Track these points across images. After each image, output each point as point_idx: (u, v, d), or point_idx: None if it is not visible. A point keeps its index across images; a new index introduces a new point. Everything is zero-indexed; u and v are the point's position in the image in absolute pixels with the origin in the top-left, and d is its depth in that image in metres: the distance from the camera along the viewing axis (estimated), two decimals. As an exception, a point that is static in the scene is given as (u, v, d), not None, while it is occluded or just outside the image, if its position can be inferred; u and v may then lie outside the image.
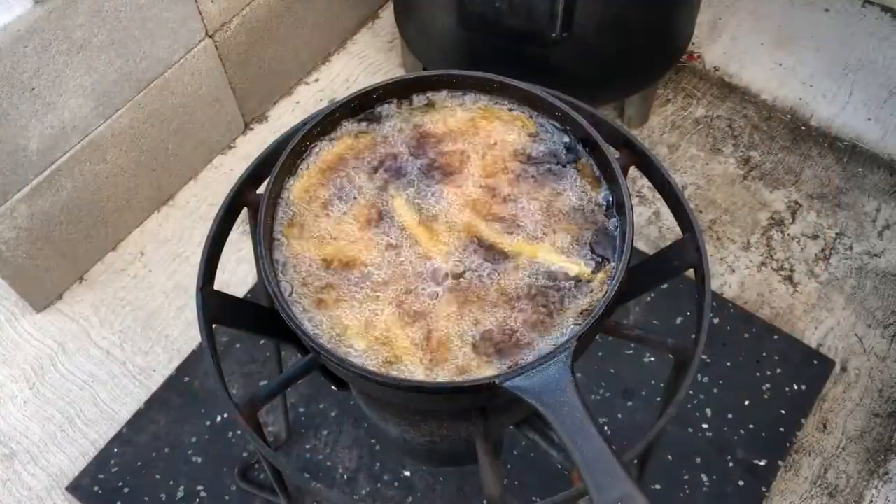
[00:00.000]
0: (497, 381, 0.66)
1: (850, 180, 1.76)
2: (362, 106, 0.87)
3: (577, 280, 0.76)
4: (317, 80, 1.99)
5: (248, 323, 0.90)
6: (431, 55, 1.74)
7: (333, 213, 0.82)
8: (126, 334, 1.61)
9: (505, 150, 0.86)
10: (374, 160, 0.86)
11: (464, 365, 0.71)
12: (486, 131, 0.87)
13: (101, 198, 1.61)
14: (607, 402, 1.47)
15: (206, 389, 1.53)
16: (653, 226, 1.70)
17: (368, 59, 2.02)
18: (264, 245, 0.77)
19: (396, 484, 1.41)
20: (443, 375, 0.71)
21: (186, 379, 1.54)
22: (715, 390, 1.49)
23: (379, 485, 1.41)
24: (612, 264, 0.76)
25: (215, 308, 0.84)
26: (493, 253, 0.79)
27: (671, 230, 1.69)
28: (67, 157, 1.49)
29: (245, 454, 1.45)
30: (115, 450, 1.47)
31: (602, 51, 1.59)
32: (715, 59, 1.97)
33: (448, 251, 0.79)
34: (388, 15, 2.09)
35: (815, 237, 1.68)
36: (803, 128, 1.85)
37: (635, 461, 0.91)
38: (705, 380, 1.50)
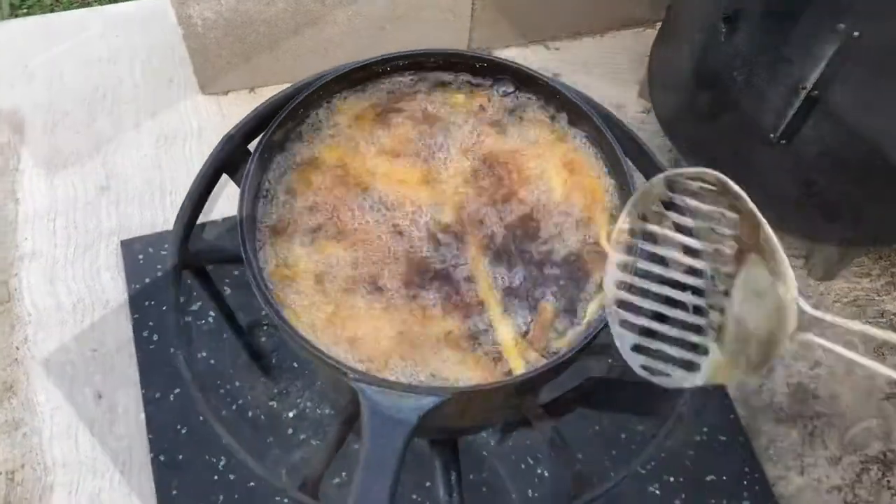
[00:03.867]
0: (349, 374, 0.61)
1: None
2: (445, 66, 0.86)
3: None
4: (557, 49, 1.93)
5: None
6: (655, 88, 1.61)
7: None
8: (250, 156, 1.68)
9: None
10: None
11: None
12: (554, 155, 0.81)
13: (304, 33, 1.67)
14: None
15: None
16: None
17: (614, 62, 1.92)
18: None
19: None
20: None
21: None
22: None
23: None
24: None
25: (228, 156, 0.85)
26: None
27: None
28: (305, -22, 1.55)
29: (263, 312, 1.48)
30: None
31: (816, 180, 1.40)
32: (950, 267, 1.69)
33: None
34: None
35: (915, 502, 1.43)
36: None
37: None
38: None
